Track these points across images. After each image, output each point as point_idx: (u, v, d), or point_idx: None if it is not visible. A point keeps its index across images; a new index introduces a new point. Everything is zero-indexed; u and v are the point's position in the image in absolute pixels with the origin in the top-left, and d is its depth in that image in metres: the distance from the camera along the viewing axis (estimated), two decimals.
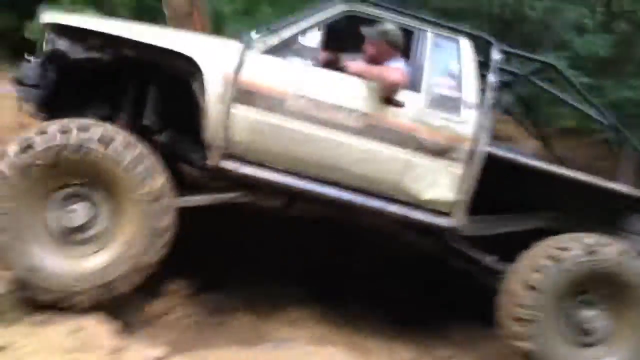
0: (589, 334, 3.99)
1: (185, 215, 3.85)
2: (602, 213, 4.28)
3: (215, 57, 3.74)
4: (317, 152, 3.82)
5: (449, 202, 3.97)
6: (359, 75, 3.93)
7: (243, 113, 3.74)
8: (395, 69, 3.93)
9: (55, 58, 3.76)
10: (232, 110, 3.73)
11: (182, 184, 4.17)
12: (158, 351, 3.42)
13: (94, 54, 3.76)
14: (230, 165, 3.79)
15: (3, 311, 3.24)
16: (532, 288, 3.86)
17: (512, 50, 4.36)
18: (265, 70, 3.80)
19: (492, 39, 4.25)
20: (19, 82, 3.92)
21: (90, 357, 3.15)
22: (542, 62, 4.64)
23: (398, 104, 3.90)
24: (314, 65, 3.91)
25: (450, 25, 4.25)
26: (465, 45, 4.16)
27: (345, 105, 3.84)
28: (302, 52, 3.91)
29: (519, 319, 3.86)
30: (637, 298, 3.96)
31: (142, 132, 4.07)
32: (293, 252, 5.18)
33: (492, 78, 4.10)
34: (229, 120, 3.72)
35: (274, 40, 3.88)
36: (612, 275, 3.92)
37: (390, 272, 5.37)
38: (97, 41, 3.73)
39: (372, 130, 3.86)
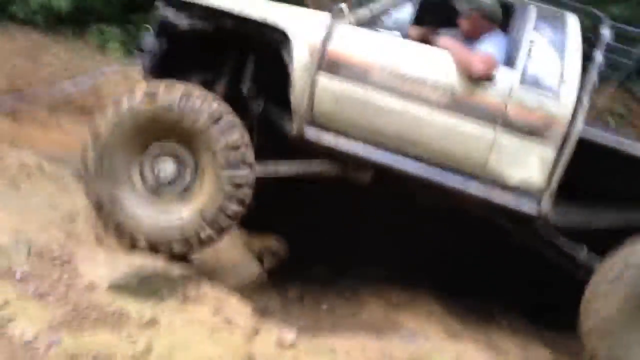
0: None
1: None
2: None
3: (303, 27, 3.84)
4: (399, 125, 3.79)
5: (537, 187, 3.74)
6: (448, 51, 3.83)
7: (327, 83, 3.81)
8: (484, 56, 3.75)
9: (163, 27, 4.10)
10: (317, 80, 3.81)
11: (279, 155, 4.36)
12: (291, 335, 3.57)
13: (197, 24, 4.03)
14: (312, 134, 3.89)
15: (157, 288, 3.55)
16: None
17: (625, 26, 3.97)
18: (351, 41, 3.83)
19: (602, 15, 3.91)
20: (139, 49, 4.33)
21: (232, 334, 3.39)
22: None
23: (488, 80, 3.74)
24: (404, 38, 3.87)
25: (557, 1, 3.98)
26: (572, 21, 3.87)
27: (431, 79, 3.76)
28: (393, 25, 3.89)
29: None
30: None
31: (240, 100, 4.33)
32: (417, 240, 5.15)
33: (598, 57, 3.78)
34: (313, 89, 3.82)
35: (364, 12, 3.90)
36: None
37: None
38: (199, 12, 4.00)
39: (457, 105, 3.74)
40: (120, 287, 3.40)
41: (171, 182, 3.84)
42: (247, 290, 4.15)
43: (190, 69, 4.36)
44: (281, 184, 4.28)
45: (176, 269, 3.75)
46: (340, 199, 4.59)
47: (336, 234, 4.84)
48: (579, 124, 3.65)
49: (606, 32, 3.84)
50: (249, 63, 4.25)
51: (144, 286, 3.51)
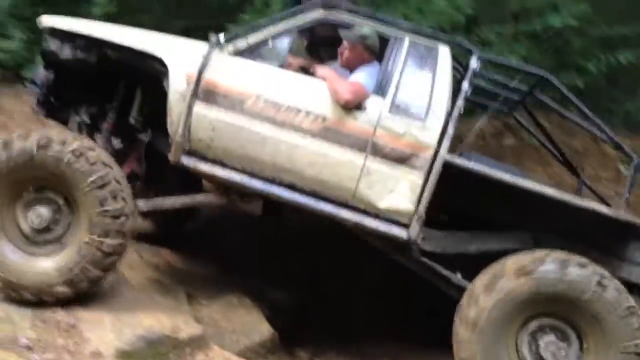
0: None
1: None
2: (594, 237, 3.89)
3: (180, 57, 3.93)
4: (273, 153, 3.86)
5: (406, 212, 3.82)
6: (324, 80, 3.94)
7: (203, 111, 3.88)
8: (354, 85, 3.88)
9: (47, 58, 4.15)
10: (194, 108, 3.88)
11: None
12: None
13: (81, 55, 4.09)
14: (189, 162, 3.93)
15: (165, 352, 3.56)
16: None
17: (495, 58, 4.13)
18: (227, 71, 3.92)
19: (473, 47, 4.07)
20: (31, 81, 4.38)
21: None
22: (531, 74, 4.31)
23: (358, 108, 3.85)
24: (281, 68, 3.98)
25: (432, 33, 4.13)
26: (443, 52, 4.02)
27: (303, 108, 3.85)
28: (270, 55, 4.00)
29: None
30: None
31: (129, 130, 4.38)
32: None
33: (465, 86, 3.92)
34: (190, 117, 3.88)
35: (242, 43, 4.01)
36: None
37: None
38: (82, 42, 4.07)
39: (328, 133, 3.83)
40: (127, 353, 3.36)
41: (46, 229, 3.75)
42: (258, 351, 4.21)
43: (82, 101, 4.42)
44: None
45: (184, 332, 3.74)
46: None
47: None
48: (444, 151, 3.75)
49: (473, 63, 3.99)
50: (137, 93, 4.31)
51: (151, 351, 3.49)
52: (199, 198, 4.20)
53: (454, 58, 4.17)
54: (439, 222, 4.15)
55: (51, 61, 4.16)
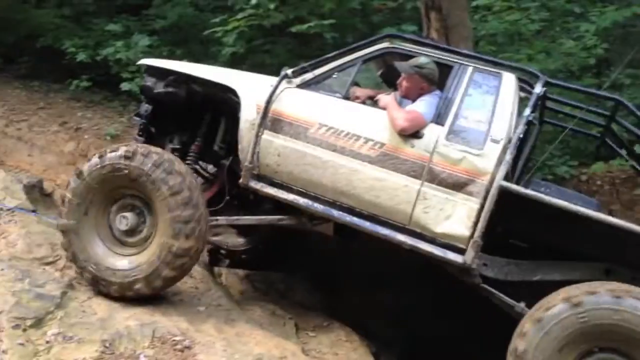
0: None
1: None
2: None
3: (252, 89, 4.28)
4: (333, 177, 4.05)
5: (462, 237, 3.80)
6: (385, 109, 4.08)
7: (271, 138, 4.18)
8: (411, 113, 3.99)
9: (145, 93, 4.71)
10: (262, 136, 4.19)
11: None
12: None
13: (171, 89, 4.59)
14: (257, 185, 4.23)
15: None
16: None
17: (560, 83, 4.01)
18: (293, 102, 4.20)
19: (539, 73, 3.99)
20: (137, 115, 4.97)
21: None
22: (607, 97, 4.10)
23: (416, 136, 3.93)
24: (346, 98, 4.18)
25: (496, 60, 4.13)
26: (508, 80, 4.00)
27: (363, 135, 4.01)
28: (336, 86, 4.23)
29: None
30: None
31: (214, 157, 4.79)
32: None
33: (526, 112, 3.86)
34: (258, 144, 4.19)
35: (308, 75, 4.28)
36: None
37: None
38: (172, 78, 4.57)
39: (386, 159, 3.95)
40: None
41: (131, 232, 4.19)
42: None
43: (176, 131, 4.91)
44: None
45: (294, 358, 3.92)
46: None
47: None
48: (499, 176, 3.71)
49: (538, 88, 3.92)
50: (221, 124, 4.72)
51: None
52: (272, 218, 4.46)
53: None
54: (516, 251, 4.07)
55: (149, 96, 4.70)
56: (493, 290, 3.86)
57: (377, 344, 4.96)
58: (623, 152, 4.65)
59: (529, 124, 3.88)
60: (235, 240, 5.65)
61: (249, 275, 5.50)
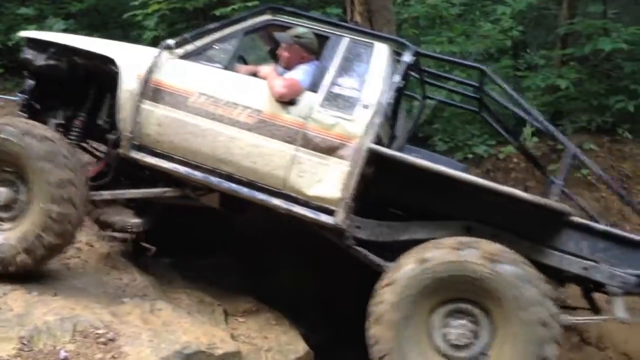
0: None
1: None
2: (526, 227, 3.87)
3: (132, 59, 4.29)
4: (212, 145, 4.11)
5: (334, 199, 3.93)
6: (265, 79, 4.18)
7: (151, 108, 4.19)
8: (288, 81, 4.11)
9: (25, 66, 4.62)
10: (143, 106, 4.20)
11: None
12: None
13: (52, 62, 4.53)
14: (137, 155, 4.23)
15: None
16: None
17: (430, 53, 4.23)
18: (174, 72, 4.23)
19: (408, 43, 4.20)
20: (21, 92, 4.86)
21: None
22: (472, 67, 4.37)
23: (291, 103, 4.05)
24: (225, 68, 4.25)
25: (371, 32, 4.32)
26: (380, 49, 4.17)
27: (241, 103, 4.10)
28: (218, 57, 4.29)
29: None
30: None
31: (100, 132, 4.75)
32: None
33: (395, 79, 4.05)
34: (139, 114, 4.20)
35: (189, 47, 4.32)
36: None
37: None
38: (53, 50, 4.50)
39: (263, 125, 4.05)
40: None
41: (6, 207, 4.12)
42: None
43: (59, 106, 4.84)
44: None
45: (220, 349, 3.84)
46: None
47: None
48: (368, 139, 3.87)
49: (406, 57, 4.11)
50: (106, 98, 4.69)
51: None
52: (156, 191, 4.46)
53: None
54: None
55: (30, 70, 4.61)
56: (363, 251, 4.00)
57: (308, 326, 5.00)
58: (500, 127, 4.94)
59: (398, 90, 4.06)
60: (129, 221, 5.58)
61: (176, 264, 5.42)
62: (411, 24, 8.29)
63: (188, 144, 4.15)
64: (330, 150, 3.96)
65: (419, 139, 6.27)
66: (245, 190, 4.07)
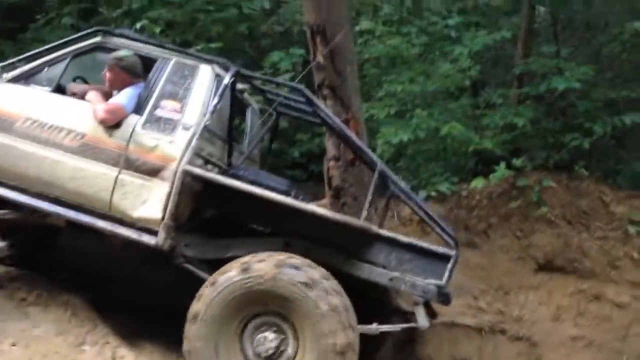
0: None
1: None
2: (339, 241, 4.10)
3: None
4: (38, 169, 4.18)
5: (156, 220, 4.05)
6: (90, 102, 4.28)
7: None
8: (110, 105, 4.22)
9: None
10: None
11: None
12: None
13: None
14: None
15: None
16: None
17: (252, 74, 4.40)
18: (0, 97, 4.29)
19: (229, 64, 4.36)
20: None
21: None
22: (291, 87, 4.64)
23: (115, 126, 4.17)
24: (53, 91, 4.33)
25: (196, 53, 4.49)
26: (204, 71, 4.31)
27: (66, 127, 4.19)
28: (49, 80, 4.36)
29: None
30: None
31: None
32: None
33: (214, 101, 4.20)
34: None
35: (18, 71, 4.39)
36: None
37: None
38: None
39: (86, 149, 4.15)
40: None
41: None
42: None
43: None
44: None
45: None
46: None
47: None
48: (184, 161, 4.02)
49: (227, 79, 4.26)
50: None
51: None
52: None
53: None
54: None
55: None
56: (192, 268, 4.14)
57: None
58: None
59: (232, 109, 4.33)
60: None
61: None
62: (373, 64, 8.50)
63: (15, 168, 4.21)
64: (152, 172, 4.08)
65: None
66: (71, 213, 4.16)
